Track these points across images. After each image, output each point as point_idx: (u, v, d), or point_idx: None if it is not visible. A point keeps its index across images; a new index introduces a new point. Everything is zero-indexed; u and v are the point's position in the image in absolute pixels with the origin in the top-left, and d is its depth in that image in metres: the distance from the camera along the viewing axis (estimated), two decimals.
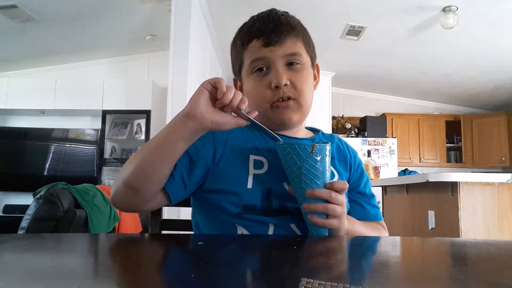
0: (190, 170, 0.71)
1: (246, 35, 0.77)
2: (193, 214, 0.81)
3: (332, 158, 0.81)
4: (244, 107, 0.63)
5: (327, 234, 0.68)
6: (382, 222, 0.84)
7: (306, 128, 0.87)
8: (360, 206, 0.82)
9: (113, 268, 0.45)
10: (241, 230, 0.70)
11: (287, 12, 0.80)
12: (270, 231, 0.70)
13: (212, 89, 0.61)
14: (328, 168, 0.67)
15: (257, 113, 0.65)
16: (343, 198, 0.66)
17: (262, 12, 0.78)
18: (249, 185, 0.71)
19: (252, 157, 0.74)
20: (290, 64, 0.75)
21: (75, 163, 4.59)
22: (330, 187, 0.65)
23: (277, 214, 0.71)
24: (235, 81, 0.86)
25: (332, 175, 0.78)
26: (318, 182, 0.65)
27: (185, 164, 0.71)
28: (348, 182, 0.82)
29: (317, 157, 0.64)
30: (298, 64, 0.76)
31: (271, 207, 0.71)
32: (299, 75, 0.75)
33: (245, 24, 0.80)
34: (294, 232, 0.71)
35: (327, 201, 0.65)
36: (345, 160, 0.84)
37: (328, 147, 0.66)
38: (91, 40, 4.44)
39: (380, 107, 6.20)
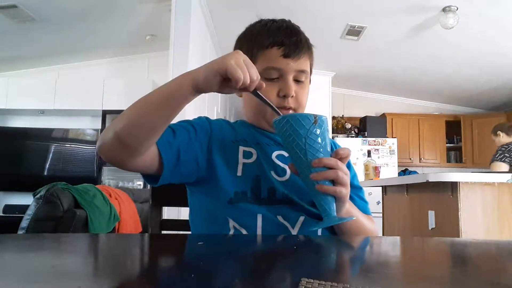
0: (188, 148, 0.74)
1: (268, 39, 0.79)
2: (190, 213, 0.84)
3: None
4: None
5: (335, 213, 0.66)
6: (371, 216, 0.86)
7: None
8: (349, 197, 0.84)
9: (113, 268, 0.45)
10: (232, 223, 0.73)
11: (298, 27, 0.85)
12: (259, 222, 0.73)
13: (226, 76, 0.60)
14: (328, 139, 0.68)
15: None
16: (346, 168, 0.68)
17: (280, 21, 0.82)
18: (239, 173, 0.76)
19: (242, 148, 0.79)
20: (296, 80, 0.80)
21: (75, 163, 4.59)
22: (335, 155, 0.66)
23: (266, 203, 0.74)
24: None
25: None
26: (323, 153, 0.65)
27: (184, 139, 0.74)
28: None
29: (320, 127, 0.65)
30: (303, 82, 0.81)
31: (260, 194, 0.75)
32: (302, 90, 0.81)
33: (263, 25, 0.83)
34: (281, 223, 0.74)
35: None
36: None
37: (326, 119, 0.67)
38: (91, 40, 4.44)
39: (380, 107, 6.20)
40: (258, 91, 0.66)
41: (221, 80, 0.61)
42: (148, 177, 0.74)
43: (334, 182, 0.65)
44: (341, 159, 0.66)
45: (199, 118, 0.82)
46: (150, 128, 0.64)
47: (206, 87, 0.62)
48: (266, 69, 0.78)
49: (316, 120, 0.64)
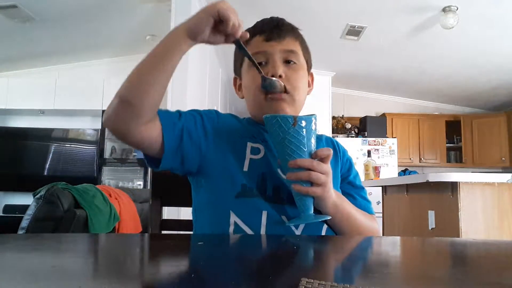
0: (192, 133, 0.74)
1: (252, 31, 0.81)
2: (193, 211, 0.83)
3: None
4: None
5: (311, 212, 0.68)
6: (374, 216, 0.86)
7: None
8: (351, 197, 0.84)
9: (113, 268, 0.45)
10: (234, 219, 0.72)
11: None
12: (263, 220, 0.72)
13: (218, 18, 0.65)
14: (314, 139, 0.68)
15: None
16: (327, 167, 0.68)
17: (265, 18, 0.86)
18: (245, 168, 0.76)
19: (250, 144, 0.79)
20: (287, 62, 0.80)
21: (75, 163, 4.59)
22: (314, 156, 0.67)
23: (271, 201, 0.74)
24: (235, 79, 0.91)
25: None
26: (300, 153, 0.66)
27: (190, 124, 0.75)
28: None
29: (300, 129, 0.65)
30: (295, 63, 0.80)
31: (266, 192, 0.74)
32: (295, 72, 0.80)
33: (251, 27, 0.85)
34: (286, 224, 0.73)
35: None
36: (334, 152, 0.87)
37: (313, 119, 0.67)
38: (91, 40, 4.43)
39: (380, 107, 6.20)
40: (241, 42, 0.68)
41: (212, 24, 0.65)
42: (150, 160, 0.74)
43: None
44: (322, 159, 0.67)
45: (209, 110, 0.83)
46: (150, 82, 0.66)
47: (198, 30, 0.66)
48: (252, 55, 0.78)
49: (295, 122, 0.65)
